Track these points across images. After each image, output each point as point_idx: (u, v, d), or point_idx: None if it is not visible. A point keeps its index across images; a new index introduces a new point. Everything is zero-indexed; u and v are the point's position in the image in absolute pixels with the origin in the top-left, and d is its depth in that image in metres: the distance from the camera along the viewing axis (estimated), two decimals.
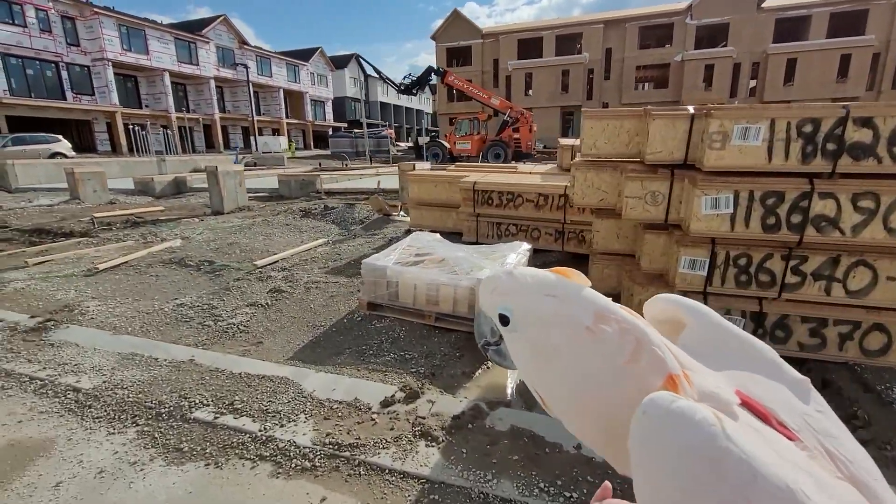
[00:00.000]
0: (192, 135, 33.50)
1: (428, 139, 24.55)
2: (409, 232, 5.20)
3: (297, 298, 3.47)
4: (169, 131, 24.07)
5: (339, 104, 51.33)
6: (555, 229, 4.12)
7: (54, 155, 18.29)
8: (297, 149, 30.25)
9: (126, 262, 4.45)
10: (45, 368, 2.49)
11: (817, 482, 0.34)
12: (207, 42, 31.88)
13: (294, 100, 42.40)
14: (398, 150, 29.43)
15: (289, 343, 2.81)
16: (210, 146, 33.50)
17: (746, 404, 0.40)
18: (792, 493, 0.31)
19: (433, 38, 35.34)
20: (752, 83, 29.28)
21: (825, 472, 0.37)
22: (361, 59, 19.44)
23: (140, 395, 2.21)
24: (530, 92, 32.36)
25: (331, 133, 38.03)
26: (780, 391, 0.44)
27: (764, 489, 0.31)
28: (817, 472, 0.36)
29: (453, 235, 4.87)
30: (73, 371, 2.46)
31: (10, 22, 22.19)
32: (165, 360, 2.56)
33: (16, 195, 10.12)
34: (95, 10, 25.04)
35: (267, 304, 3.37)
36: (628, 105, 31.58)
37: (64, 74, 24.71)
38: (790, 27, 27.49)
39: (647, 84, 32.19)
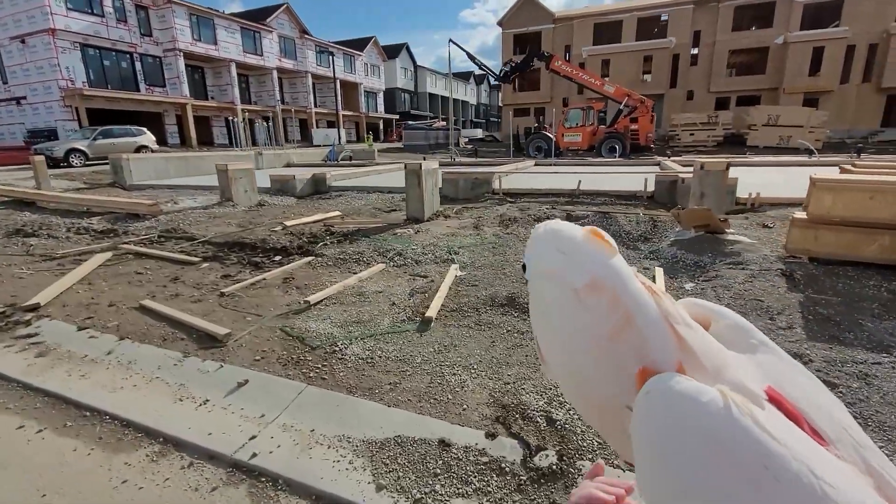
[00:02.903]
0: (254, 127, 33.03)
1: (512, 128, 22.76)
2: (787, 261, 3.72)
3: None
4: (269, 123, 23.21)
5: (389, 95, 50.23)
6: None
7: (140, 148, 17.69)
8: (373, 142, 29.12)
9: (443, 306, 3.14)
10: None
11: (850, 482, 0.30)
12: (271, 31, 31.10)
13: (348, 91, 41.43)
14: (467, 144, 27.90)
15: None
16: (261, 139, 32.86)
17: (776, 402, 0.36)
18: (810, 482, 0.27)
19: (499, 23, 33.59)
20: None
21: (861, 481, 0.32)
22: (454, 43, 17.93)
23: None
24: (606, 80, 30.23)
25: (405, 125, 36.67)
26: (819, 398, 0.39)
27: (779, 475, 0.28)
28: (851, 476, 0.32)
29: (876, 270, 3.37)
30: None
31: (89, 11, 21.74)
32: None
33: (138, 193, 9.16)
34: None
35: None
36: (717, 94, 29.21)
37: (138, 66, 24.30)
38: None
39: (738, 70, 29.46)
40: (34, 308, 3.11)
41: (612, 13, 30.40)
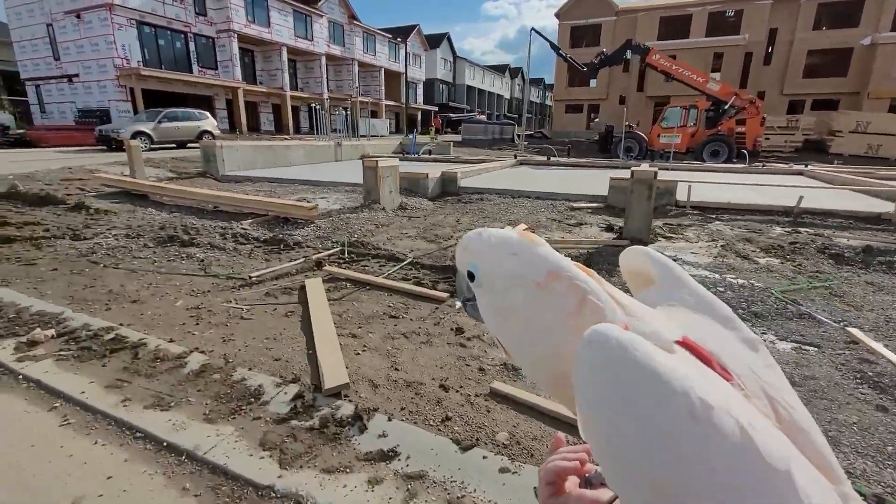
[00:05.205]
0: (299, 115, 32.05)
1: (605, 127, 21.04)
2: None
3: None
4: (346, 112, 21.98)
5: (428, 86, 48.94)
6: None
7: (202, 134, 16.80)
8: (434, 136, 27.92)
9: None
10: None
11: (748, 411, 0.36)
12: (321, 16, 30.01)
13: (390, 80, 40.24)
14: (522, 141, 26.51)
15: None
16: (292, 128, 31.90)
17: (689, 347, 0.42)
18: (717, 408, 0.33)
19: (557, 15, 32.02)
20: None
21: (758, 412, 0.39)
22: (535, 31, 16.63)
23: None
24: (711, 76, 28.55)
25: (465, 118, 35.39)
26: (729, 341, 0.46)
27: (700, 404, 0.33)
28: (750, 408, 0.37)
29: None
30: None
31: None
32: None
33: (239, 187, 8.18)
34: None
35: None
36: (790, 96, 27.44)
37: (191, 46, 23.40)
38: None
39: (816, 72, 27.50)
40: (340, 391, 2.07)
41: (682, 6, 28.64)
